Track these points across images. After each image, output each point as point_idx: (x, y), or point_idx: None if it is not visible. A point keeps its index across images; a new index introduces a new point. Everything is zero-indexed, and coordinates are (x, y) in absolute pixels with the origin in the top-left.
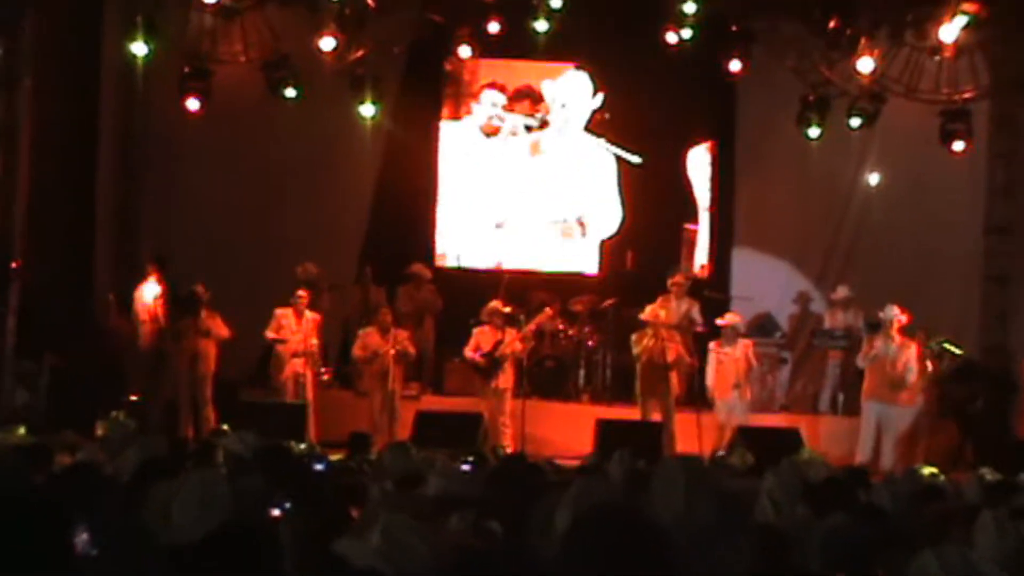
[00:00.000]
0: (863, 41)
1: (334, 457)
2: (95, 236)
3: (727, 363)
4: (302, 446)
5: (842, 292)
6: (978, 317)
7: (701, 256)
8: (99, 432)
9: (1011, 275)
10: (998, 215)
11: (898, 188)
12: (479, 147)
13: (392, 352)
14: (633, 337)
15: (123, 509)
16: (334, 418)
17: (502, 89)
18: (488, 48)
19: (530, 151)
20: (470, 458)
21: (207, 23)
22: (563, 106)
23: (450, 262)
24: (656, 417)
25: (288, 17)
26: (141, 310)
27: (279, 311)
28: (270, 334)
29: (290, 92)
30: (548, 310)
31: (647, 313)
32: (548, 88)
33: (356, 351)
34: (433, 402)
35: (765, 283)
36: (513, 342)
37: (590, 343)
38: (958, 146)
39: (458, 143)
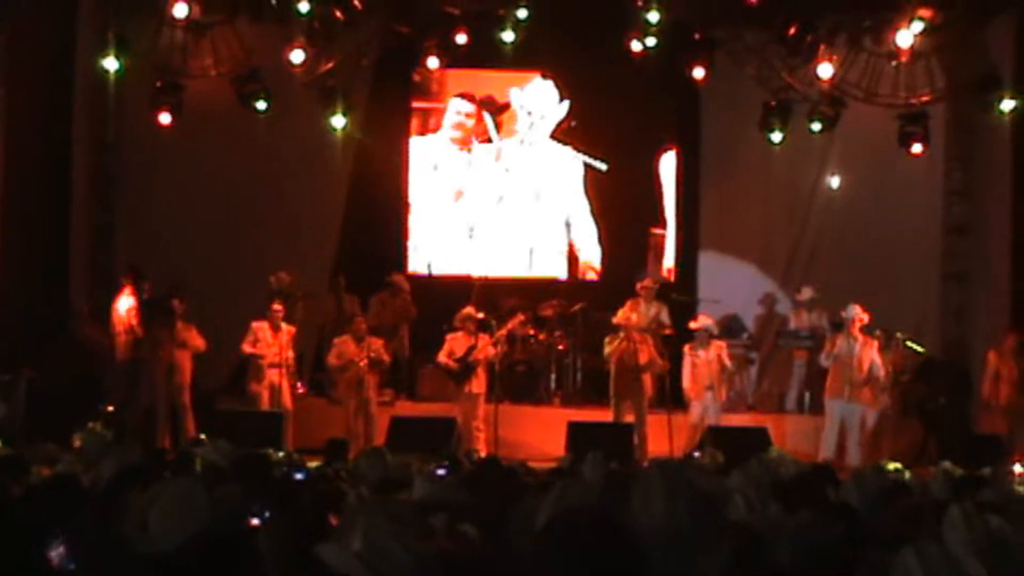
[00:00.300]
0: (822, 47)
1: (311, 464)
2: (70, 248)
3: (701, 365)
4: (280, 454)
5: (807, 293)
6: (937, 315)
7: (668, 260)
8: (76, 443)
9: (969, 274)
10: (955, 216)
11: (859, 190)
12: (448, 156)
13: (366, 360)
14: (606, 341)
15: (100, 519)
16: (309, 425)
17: (470, 99)
18: (455, 59)
19: (494, 158)
20: (444, 462)
21: (178, 38)
22: (530, 114)
23: (421, 270)
24: (629, 419)
25: (258, 31)
26: (117, 321)
27: (255, 324)
28: (247, 348)
29: (261, 105)
30: (519, 315)
31: (619, 317)
32: (515, 96)
33: (331, 359)
34: (407, 408)
35: (731, 285)
36: (485, 347)
37: (560, 347)
38: (916, 149)
39: (427, 152)
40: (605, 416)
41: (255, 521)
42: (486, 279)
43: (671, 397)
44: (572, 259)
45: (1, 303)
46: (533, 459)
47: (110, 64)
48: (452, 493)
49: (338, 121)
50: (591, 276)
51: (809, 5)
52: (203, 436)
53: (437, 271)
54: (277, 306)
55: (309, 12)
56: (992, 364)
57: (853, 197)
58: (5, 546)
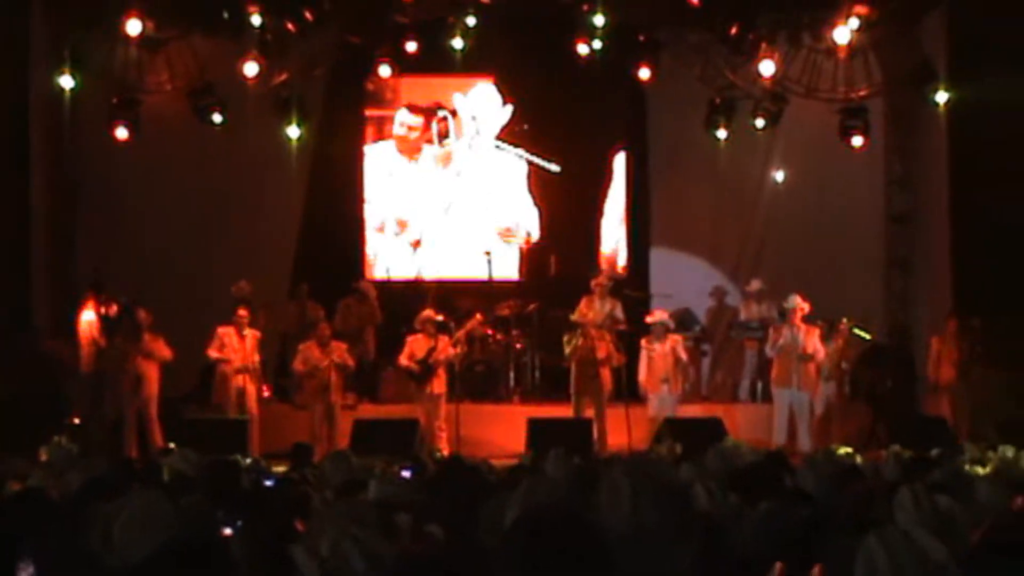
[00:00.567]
0: (763, 45)
1: (277, 469)
2: (30, 263)
3: (656, 358)
4: (247, 460)
5: (756, 284)
6: (882, 301)
7: (620, 258)
8: (42, 457)
9: (911, 261)
10: (897, 205)
11: (803, 183)
12: (400, 164)
13: (329, 363)
14: (564, 339)
15: (67, 533)
16: (273, 430)
17: (414, 110)
18: (407, 67)
19: (441, 163)
20: (409, 463)
21: (133, 54)
22: (474, 119)
23: (379, 275)
24: (589, 413)
25: (212, 46)
26: (81, 334)
27: (220, 330)
28: (214, 353)
29: (217, 117)
30: (477, 316)
31: (576, 314)
32: (459, 102)
33: (296, 365)
34: (370, 410)
35: (682, 280)
36: (445, 348)
37: (518, 346)
38: (857, 141)
39: (382, 159)
40: (563, 412)
41: (227, 531)
42: (440, 282)
43: (628, 391)
44: (523, 259)
45: None
46: (495, 456)
47: (66, 81)
48: (412, 493)
49: (293, 131)
50: (545, 276)
51: (749, 5)
52: (172, 445)
53: (395, 275)
54: (242, 311)
55: (261, 25)
56: (935, 348)
57: (798, 190)
58: None
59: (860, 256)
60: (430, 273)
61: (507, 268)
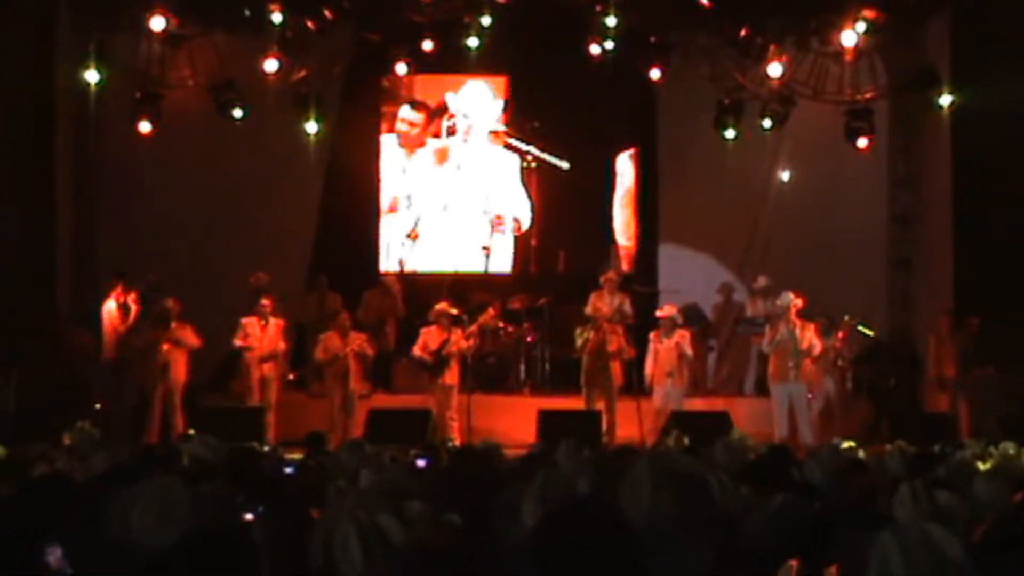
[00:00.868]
0: (772, 48)
1: (292, 456)
2: (55, 255)
3: (663, 352)
4: (265, 448)
5: (762, 281)
6: (884, 299)
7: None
8: (66, 441)
9: (913, 260)
10: (900, 205)
11: (808, 183)
12: (410, 160)
13: (349, 351)
14: (577, 332)
15: (89, 519)
16: (290, 419)
17: (416, 107)
18: (423, 65)
19: (437, 160)
20: (424, 452)
21: (156, 50)
22: (466, 116)
23: (394, 267)
24: (600, 405)
25: (233, 42)
26: (105, 322)
27: (245, 320)
28: (238, 342)
29: (237, 113)
30: (490, 310)
31: (589, 308)
32: (451, 100)
33: (318, 354)
34: (384, 400)
35: (690, 276)
36: (459, 340)
37: (529, 339)
38: (862, 143)
39: (397, 156)
40: (573, 404)
41: (248, 516)
42: (456, 275)
43: (639, 384)
44: (533, 253)
45: None
46: (505, 446)
47: (91, 76)
48: (406, 479)
49: (312, 126)
50: (555, 272)
51: (759, 8)
52: (192, 432)
53: (409, 268)
54: (266, 300)
55: (282, 23)
56: (933, 346)
57: (803, 189)
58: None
59: (863, 254)
60: (425, 267)
61: (502, 263)
